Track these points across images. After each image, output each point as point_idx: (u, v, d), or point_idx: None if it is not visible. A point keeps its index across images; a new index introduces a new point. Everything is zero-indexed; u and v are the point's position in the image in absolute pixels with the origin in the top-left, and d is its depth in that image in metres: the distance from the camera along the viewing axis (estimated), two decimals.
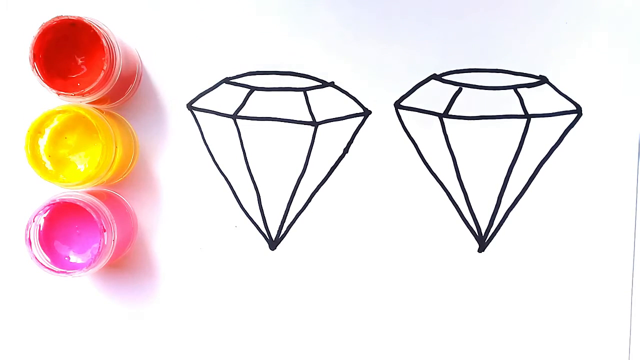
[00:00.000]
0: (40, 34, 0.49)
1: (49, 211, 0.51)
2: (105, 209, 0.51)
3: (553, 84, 0.56)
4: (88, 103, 0.52)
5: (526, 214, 0.56)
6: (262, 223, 0.57)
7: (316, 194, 0.57)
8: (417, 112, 0.56)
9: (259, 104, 0.56)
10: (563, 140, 0.56)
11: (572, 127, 0.56)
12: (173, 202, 0.57)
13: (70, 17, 0.49)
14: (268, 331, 0.57)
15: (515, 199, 0.56)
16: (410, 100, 0.56)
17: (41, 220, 0.51)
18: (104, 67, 0.49)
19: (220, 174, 0.57)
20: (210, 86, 0.57)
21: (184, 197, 0.57)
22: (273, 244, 0.57)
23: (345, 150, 0.57)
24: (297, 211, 0.57)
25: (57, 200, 0.50)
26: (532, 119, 0.56)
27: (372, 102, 0.56)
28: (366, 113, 0.57)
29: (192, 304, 0.57)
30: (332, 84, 0.57)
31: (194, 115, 0.57)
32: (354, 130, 0.56)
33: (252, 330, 0.57)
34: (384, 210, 0.56)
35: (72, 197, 0.50)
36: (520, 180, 0.56)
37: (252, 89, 0.56)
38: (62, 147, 0.52)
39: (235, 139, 0.57)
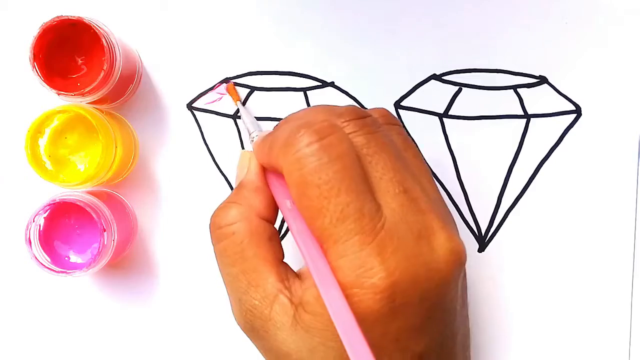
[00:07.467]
0: (40, 34, 0.49)
1: (49, 211, 0.51)
2: (105, 209, 0.51)
3: (553, 84, 0.56)
4: (88, 103, 0.52)
5: (526, 214, 0.56)
6: None
7: None
8: (417, 112, 0.56)
9: (259, 104, 0.56)
10: (563, 140, 0.56)
11: (572, 127, 0.56)
12: (173, 202, 0.57)
13: (70, 17, 0.49)
14: None
15: (515, 199, 0.56)
16: (410, 100, 0.56)
17: (41, 220, 0.51)
18: (104, 67, 0.49)
19: (220, 174, 0.57)
20: (210, 86, 0.57)
21: (184, 197, 0.57)
22: None
23: None
24: None
25: (57, 200, 0.50)
26: (531, 119, 0.56)
27: (372, 102, 0.56)
28: None
29: (192, 304, 0.57)
30: (332, 84, 0.57)
31: (194, 115, 0.57)
32: None
33: None
34: None
35: (72, 197, 0.50)
36: (520, 180, 0.56)
37: (252, 89, 0.56)
38: (62, 147, 0.52)
39: (236, 139, 0.57)
